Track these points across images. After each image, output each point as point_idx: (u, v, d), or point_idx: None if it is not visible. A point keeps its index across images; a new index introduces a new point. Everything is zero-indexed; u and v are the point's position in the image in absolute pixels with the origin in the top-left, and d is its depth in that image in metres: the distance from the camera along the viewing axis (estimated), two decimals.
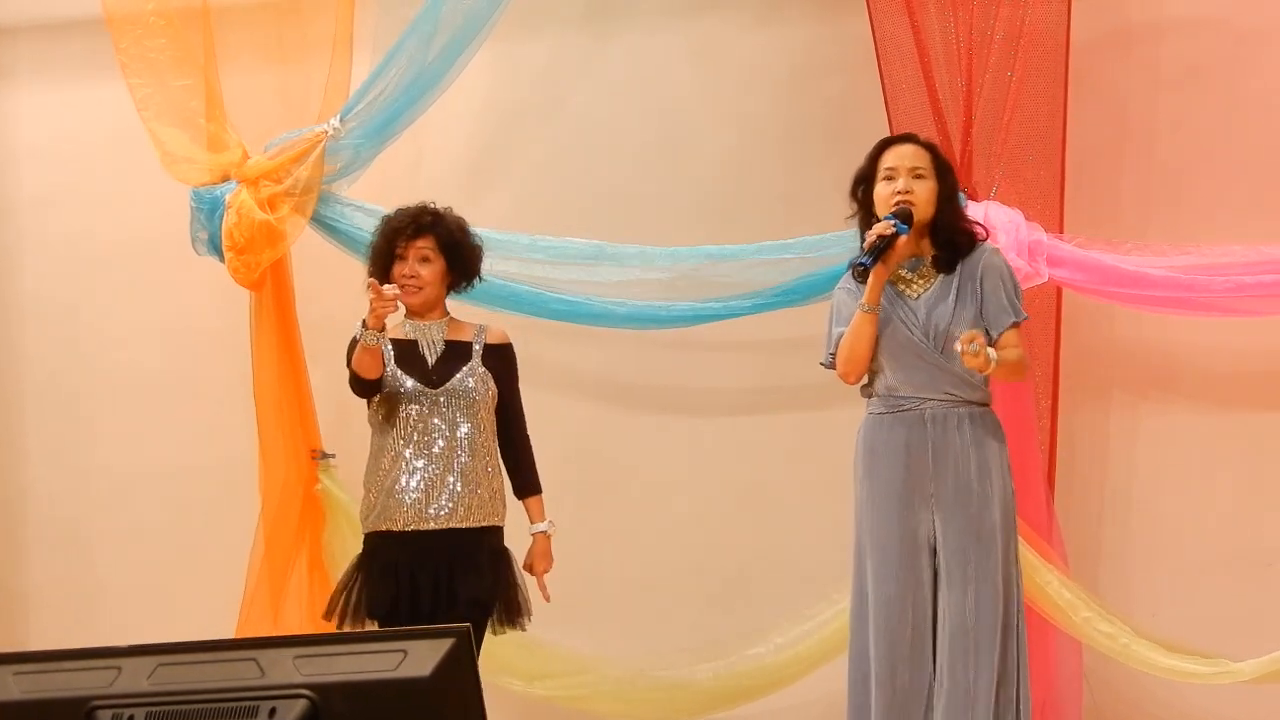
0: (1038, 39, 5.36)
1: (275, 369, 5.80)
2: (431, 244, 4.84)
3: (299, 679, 2.59)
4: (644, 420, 6.01)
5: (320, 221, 5.76)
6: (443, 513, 4.72)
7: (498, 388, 4.86)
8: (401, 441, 4.76)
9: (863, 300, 4.63)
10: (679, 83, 6.09)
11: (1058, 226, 5.36)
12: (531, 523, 4.94)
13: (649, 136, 6.08)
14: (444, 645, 2.62)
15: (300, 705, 2.57)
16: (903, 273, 4.68)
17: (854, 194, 4.76)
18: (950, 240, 4.67)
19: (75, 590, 6.46)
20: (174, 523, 6.31)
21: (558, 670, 5.75)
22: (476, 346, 4.85)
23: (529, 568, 4.92)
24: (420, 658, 2.60)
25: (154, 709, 2.61)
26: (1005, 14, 5.34)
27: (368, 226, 5.66)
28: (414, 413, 4.75)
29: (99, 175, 6.47)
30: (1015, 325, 4.65)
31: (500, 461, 4.88)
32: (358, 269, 5.74)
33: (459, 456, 4.74)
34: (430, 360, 4.81)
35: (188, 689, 2.61)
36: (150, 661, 2.65)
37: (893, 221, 4.57)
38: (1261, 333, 5.42)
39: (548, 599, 4.95)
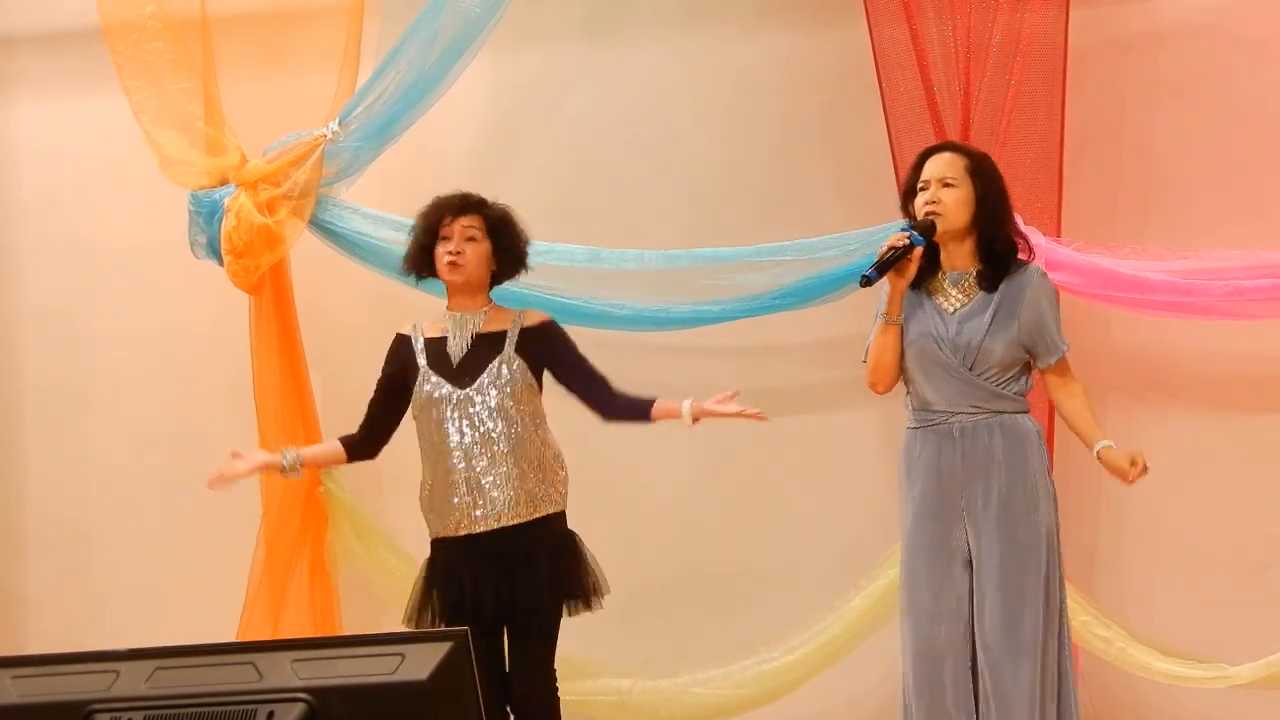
0: (1036, 44, 5.36)
1: (275, 372, 5.79)
2: (479, 223, 4.76)
3: (297, 682, 2.60)
4: (643, 424, 6.00)
5: (319, 225, 5.76)
6: (491, 513, 4.66)
7: (552, 360, 4.77)
8: (439, 443, 4.69)
9: (883, 310, 4.63)
10: (677, 89, 6.09)
11: (1055, 230, 5.37)
12: (680, 413, 4.80)
13: (647, 143, 6.08)
14: (442, 649, 2.62)
15: (298, 709, 2.57)
16: (945, 285, 4.64)
17: (904, 207, 4.72)
18: (991, 248, 4.61)
19: (74, 593, 6.46)
20: (173, 526, 6.30)
21: (561, 676, 5.75)
22: (511, 334, 4.75)
23: (715, 410, 4.75)
24: (418, 661, 2.60)
25: (152, 712, 2.61)
26: (1003, 20, 5.35)
27: (366, 230, 5.69)
28: (446, 414, 4.68)
29: (99, 181, 6.48)
30: (1064, 357, 4.63)
31: (551, 449, 4.78)
32: (357, 271, 5.76)
33: (498, 452, 4.66)
34: (456, 358, 4.73)
35: (186, 692, 2.61)
36: (148, 665, 2.65)
37: (907, 233, 4.56)
38: (1259, 336, 5.42)
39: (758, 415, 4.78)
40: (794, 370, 5.87)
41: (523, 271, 4.91)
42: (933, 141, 5.23)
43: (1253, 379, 5.56)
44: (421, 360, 4.74)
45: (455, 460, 4.67)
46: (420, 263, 4.81)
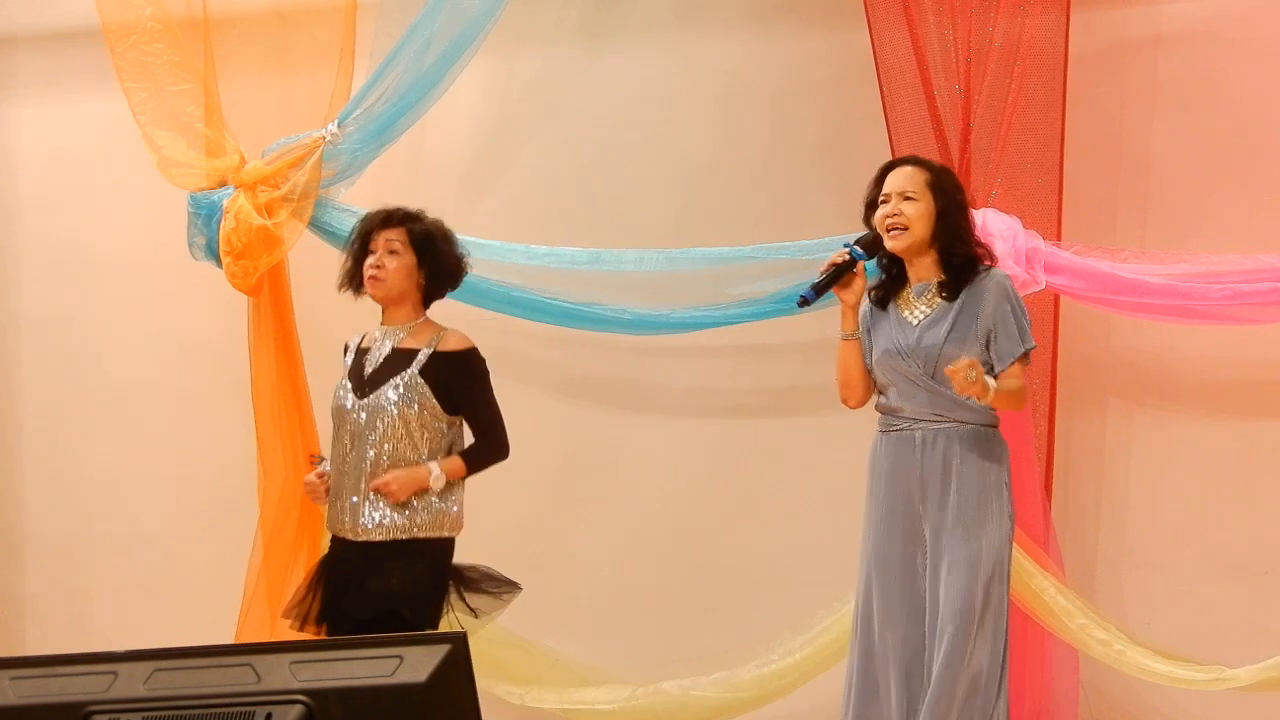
0: (1036, 49, 5.36)
1: (273, 374, 5.79)
2: (401, 236, 4.75)
3: (295, 685, 2.59)
4: (639, 425, 6.01)
5: (318, 226, 5.76)
6: (360, 522, 4.64)
7: (453, 399, 4.69)
8: (339, 449, 4.72)
9: (840, 327, 4.68)
10: (676, 92, 6.09)
11: (1055, 234, 5.37)
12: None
13: (645, 145, 6.08)
14: (440, 651, 2.62)
15: (296, 711, 2.57)
16: (910, 297, 4.67)
17: (865, 220, 4.74)
18: (950, 261, 4.63)
19: (72, 595, 6.45)
20: (171, 528, 6.31)
21: (556, 679, 5.75)
22: (423, 354, 4.70)
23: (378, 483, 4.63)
24: (416, 664, 2.60)
25: (150, 714, 2.61)
26: (1003, 25, 5.35)
27: None
28: (348, 422, 4.70)
29: (97, 183, 6.48)
30: (1024, 355, 4.61)
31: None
32: None
33: (372, 467, 4.64)
34: (369, 369, 4.73)
35: (184, 694, 2.61)
36: (146, 667, 2.65)
37: (848, 248, 4.59)
38: (1258, 341, 5.42)
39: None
40: (789, 372, 5.87)
41: (454, 285, 4.87)
42: (933, 146, 5.24)
43: (1252, 383, 5.56)
44: (345, 367, 4.79)
45: (340, 468, 4.70)
46: (352, 278, 4.82)
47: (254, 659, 2.64)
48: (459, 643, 2.65)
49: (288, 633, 5.58)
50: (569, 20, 6.15)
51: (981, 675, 4.49)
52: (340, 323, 5.99)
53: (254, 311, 5.82)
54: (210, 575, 6.01)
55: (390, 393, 4.66)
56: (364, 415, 4.66)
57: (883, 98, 5.47)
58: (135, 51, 5.82)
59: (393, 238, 4.75)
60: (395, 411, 4.64)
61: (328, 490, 4.74)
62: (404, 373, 4.66)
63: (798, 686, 5.57)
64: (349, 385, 4.74)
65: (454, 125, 6.09)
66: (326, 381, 5.87)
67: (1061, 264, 5.25)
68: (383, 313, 4.82)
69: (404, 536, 4.65)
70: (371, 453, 4.65)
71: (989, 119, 5.36)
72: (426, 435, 4.67)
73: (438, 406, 4.67)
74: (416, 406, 4.65)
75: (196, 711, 2.60)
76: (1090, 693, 5.46)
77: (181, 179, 5.82)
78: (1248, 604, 5.49)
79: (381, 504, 4.64)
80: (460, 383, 4.72)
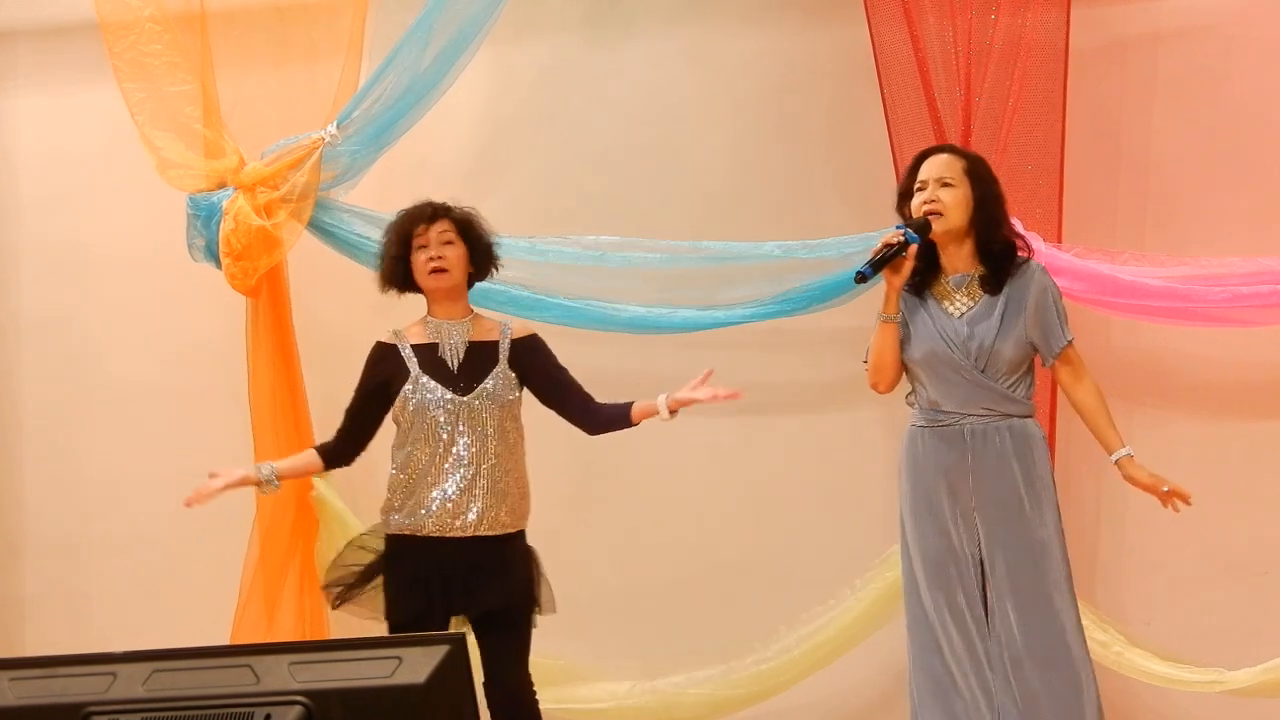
0: (1036, 49, 5.36)
1: (271, 375, 5.79)
2: (451, 227, 4.77)
3: (294, 686, 2.59)
4: (643, 423, 6.01)
5: (318, 227, 5.76)
6: (469, 520, 4.64)
7: (539, 375, 4.78)
8: (428, 448, 4.66)
9: (881, 310, 4.65)
10: (678, 89, 6.09)
11: (1056, 236, 5.37)
12: (657, 400, 4.75)
13: (648, 142, 6.09)
14: (439, 653, 2.62)
15: (295, 712, 2.57)
16: (948, 288, 4.67)
17: (899, 209, 4.75)
18: (989, 249, 4.64)
19: (71, 596, 6.45)
20: (169, 529, 6.30)
21: (555, 677, 5.74)
22: (503, 346, 4.76)
23: (690, 398, 4.69)
24: (415, 665, 2.60)
25: (149, 715, 2.61)
26: (1004, 24, 5.35)
27: (365, 232, 5.68)
28: (441, 420, 4.66)
29: (96, 182, 6.48)
30: (1069, 345, 4.65)
31: (524, 465, 4.79)
32: (354, 274, 5.74)
33: (489, 464, 4.65)
34: (454, 364, 4.72)
35: (183, 695, 2.61)
36: (145, 668, 2.65)
37: (902, 230, 4.58)
38: (1257, 343, 5.43)
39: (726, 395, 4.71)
40: (795, 368, 5.87)
41: (495, 270, 4.91)
42: (934, 144, 5.24)
43: (1251, 385, 5.56)
44: (413, 366, 4.72)
45: (449, 466, 4.65)
46: (398, 276, 4.80)
47: (253, 660, 2.65)
48: (457, 644, 2.65)
49: (284, 633, 5.60)
50: (571, 17, 6.15)
51: (1088, 661, 4.54)
52: (340, 324, 6.01)
53: (252, 312, 5.82)
54: (209, 576, 6.01)
55: (491, 385, 4.69)
56: (466, 410, 4.66)
57: (883, 97, 5.47)
58: (133, 51, 5.82)
59: (443, 230, 4.76)
60: (501, 403, 4.68)
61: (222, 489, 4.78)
62: (496, 366, 4.72)
63: (795, 683, 5.58)
64: (432, 383, 4.68)
65: (458, 120, 6.08)
66: (325, 382, 5.89)
67: (1062, 266, 5.25)
68: (433, 307, 4.80)
69: (514, 530, 4.72)
70: (476, 446, 4.65)
71: (989, 120, 5.36)
72: (516, 424, 4.75)
73: (520, 396, 4.77)
74: (513, 396, 4.73)
75: (195, 712, 2.60)
76: None
77: (180, 180, 5.81)
78: (1247, 605, 5.50)
79: (485, 497, 4.65)
80: (543, 364, 4.81)
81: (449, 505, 4.64)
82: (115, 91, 5.89)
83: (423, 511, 4.66)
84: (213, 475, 4.81)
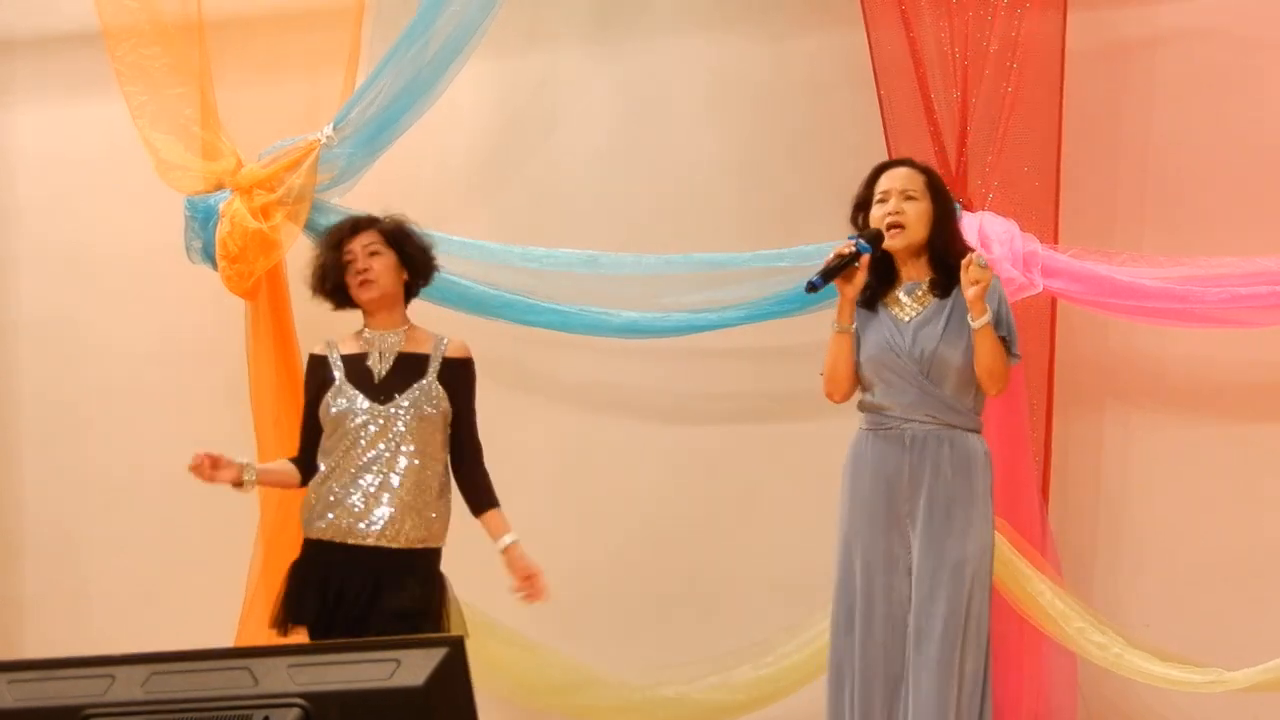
0: (1033, 51, 5.37)
1: (272, 377, 5.79)
2: (376, 238, 4.76)
3: (293, 688, 2.59)
4: (636, 430, 6.01)
5: (315, 230, 5.75)
6: (374, 528, 4.63)
7: (452, 404, 4.72)
8: (342, 455, 4.67)
9: (834, 320, 4.67)
10: (675, 95, 6.10)
11: (1053, 237, 5.37)
12: (496, 539, 4.76)
13: (646, 148, 6.09)
14: (437, 655, 2.62)
15: (294, 714, 2.57)
16: (899, 295, 4.68)
17: (854, 219, 4.76)
18: (943, 263, 4.65)
19: (70, 598, 6.46)
20: (169, 531, 6.31)
21: (557, 681, 5.75)
22: (434, 360, 4.74)
23: (520, 582, 4.74)
24: (414, 667, 2.60)
25: (147, 717, 2.61)
26: (1000, 26, 5.35)
27: None
28: (355, 427, 4.66)
29: (95, 186, 6.48)
30: (1011, 351, 4.61)
31: (449, 481, 4.76)
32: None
33: (399, 475, 4.64)
34: (379, 374, 4.71)
35: (181, 698, 2.61)
36: (144, 670, 2.65)
37: (854, 241, 4.60)
38: (1255, 344, 5.42)
39: (542, 598, 4.78)
40: (784, 376, 5.87)
41: (434, 274, 4.89)
42: (930, 148, 5.25)
43: (1249, 386, 5.56)
44: (338, 374, 4.73)
45: (359, 473, 4.65)
46: (333, 293, 4.80)
47: (251, 662, 2.64)
48: (456, 646, 2.65)
49: (288, 636, 5.59)
50: (570, 24, 6.15)
51: (967, 682, 4.49)
52: (339, 325, 6.00)
53: (253, 314, 5.82)
54: (209, 577, 6.01)
55: (411, 397, 4.66)
56: (382, 420, 4.65)
57: (879, 100, 5.47)
58: (134, 54, 5.83)
59: (368, 241, 4.76)
60: (417, 415, 4.65)
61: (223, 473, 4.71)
62: (422, 380, 4.69)
63: (795, 690, 5.57)
64: (353, 391, 4.69)
65: (455, 127, 6.09)
66: None
67: (1059, 267, 5.26)
68: (368, 318, 4.80)
69: (419, 546, 4.67)
70: (388, 456, 4.63)
71: (986, 121, 5.36)
72: (439, 438, 4.70)
73: (449, 411, 4.70)
74: (435, 410, 4.68)
75: (194, 715, 2.60)
76: (1089, 696, 5.46)
77: (179, 182, 5.82)
78: (1246, 606, 5.49)
79: (392, 507, 4.62)
80: (462, 389, 4.76)
81: (355, 512, 4.64)
82: (113, 98, 5.90)
83: (330, 516, 4.67)
84: (215, 462, 4.74)
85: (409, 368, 4.71)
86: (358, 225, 4.79)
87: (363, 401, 4.67)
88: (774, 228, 5.81)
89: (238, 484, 4.79)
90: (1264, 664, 5.11)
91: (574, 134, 6.14)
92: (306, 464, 4.82)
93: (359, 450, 4.66)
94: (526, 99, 6.19)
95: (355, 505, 4.65)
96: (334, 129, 5.65)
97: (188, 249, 5.81)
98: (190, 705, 2.60)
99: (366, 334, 4.79)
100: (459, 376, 4.76)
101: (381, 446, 4.65)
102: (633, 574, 6.00)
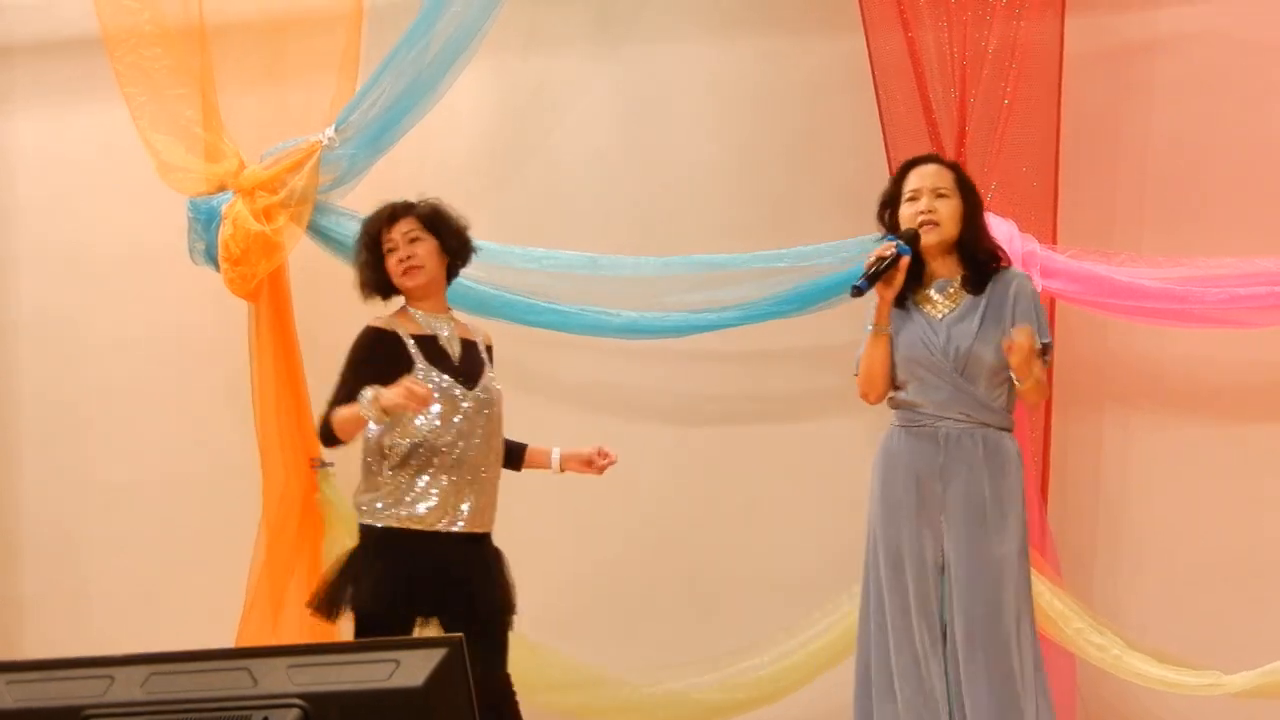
0: (1032, 52, 5.37)
1: (273, 378, 5.79)
2: (415, 225, 4.74)
3: (292, 689, 2.59)
4: (637, 430, 6.02)
5: (318, 230, 5.76)
6: (465, 516, 4.61)
7: None
8: (432, 439, 4.60)
9: (872, 321, 4.65)
10: (674, 97, 6.10)
11: (1051, 238, 5.37)
12: (549, 459, 4.85)
13: (645, 150, 6.10)
14: (436, 655, 2.62)
15: (293, 715, 2.57)
16: (930, 293, 4.68)
17: (880, 217, 4.76)
18: (974, 259, 4.66)
19: (69, 598, 6.46)
20: (169, 532, 6.31)
21: (557, 681, 5.75)
22: (482, 346, 4.80)
23: (594, 458, 4.81)
24: (413, 668, 2.60)
25: (147, 718, 2.61)
26: (999, 28, 5.36)
27: None
28: (456, 412, 4.62)
29: (94, 186, 6.49)
30: (1046, 349, 4.64)
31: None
32: (354, 274, 5.76)
33: (485, 461, 4.66)
34: (455, 358, 4.70)
35: (180, 698, 2.61)
36: (143, 670, 2.65)
37: (895, 243, 4.58)
38: (1254, 345, 5.43)
39: (614, 458, 4.86)
40: (786, 377, 5.88)
41: (472, 256, 4.86)
42: (929, 149, 5.25)
43: (1248, 387, 5.56)
44: (418, 357, 4.64)
45: (452, 460, 4.61)
46: (376, 282, 4.77)
47: (251, 663, 2.65)
48: (455, 646, 2.65)
49: (289, 635, 5.60)
50: (571, 27, 6.16)
51: (1028, 682, 4.50)
52: (340, 324, 6.01)
53: (254, 315, 5.82)
54: (209, 578, 6.01)
55: (487, 383, 4.71)
56: (470, 405, 4.64)
57: (878, 102, 5.48)
58: (134, 56, 5.83)
59: (407, 229, 4.73)
60: (494, 402, 4.70)
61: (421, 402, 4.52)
62: (489, 365, 4.76)
63: (795, 689, 5.58)
64: (439, 375, 4.62)
65: (456, 128, 6.09)
66: (325, 384, 5.89)
67: (1058, 268, 5.26)
68: (414, 303, 4.75)
69: (488, 531, 4.73)
70: (478, 443, 4.64)
71: (984, 123, 5.37)
72: (501, 426, 4.76)
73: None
74: (498, 400, 4.75)
75: (193, 715, 2.60)
76: (1087, 698, 5.47)
77: (181, 183, 5.82)
78: (1244, 608, 5.50)
79: (482, 495, 4.65)
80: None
81: (448, 500, 4.61)
82: (112, 101, 5.91)
83: (415, 505, 4.61)
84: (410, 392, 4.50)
85: (473, 354, 4.75)
86: (395, 213, 4.75)
87: (450, 385, 4.63)
88: (773, 229, 5.81)
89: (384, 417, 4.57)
90: (1261, 667, 5.11)
91: (574, 135, 6.15)
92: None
93: (445, 436, 4.61)
94: (526, 100, 6.20)
95: (447, 494, 4.61)
96: (335, 130, 5.66)
97: (190, 251, 5.82)
98: (190, 706, 2.61)
99: (419, 316, 4.75)
100: (490, 358, 4.84)
101: (470, 435, 4.63)
102: (633, 574, 6.01)
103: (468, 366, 4.70)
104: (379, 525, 4.64)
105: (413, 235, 4.73)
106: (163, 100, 5.82)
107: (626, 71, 6.13)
